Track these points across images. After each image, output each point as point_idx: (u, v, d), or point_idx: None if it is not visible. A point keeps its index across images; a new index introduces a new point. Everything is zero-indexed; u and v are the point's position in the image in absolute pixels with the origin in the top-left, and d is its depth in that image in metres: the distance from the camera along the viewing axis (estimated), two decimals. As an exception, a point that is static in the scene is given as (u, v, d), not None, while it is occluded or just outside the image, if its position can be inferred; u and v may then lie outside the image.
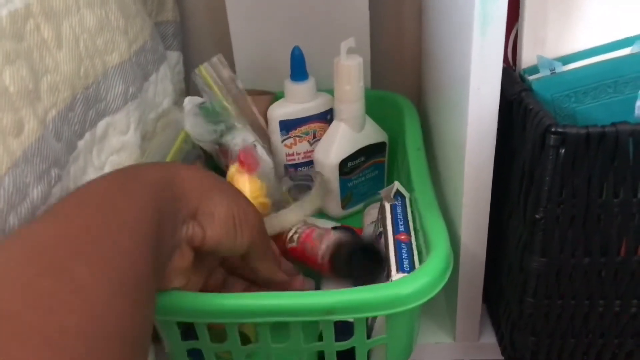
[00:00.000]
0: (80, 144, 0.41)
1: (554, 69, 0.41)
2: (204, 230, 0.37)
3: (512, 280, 0.42)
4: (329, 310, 0.37)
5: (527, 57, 0.42)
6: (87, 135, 0.43)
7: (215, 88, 0.59)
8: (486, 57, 0.37)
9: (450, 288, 0.48)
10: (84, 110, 0.42)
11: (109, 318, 0.26)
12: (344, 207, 0.63)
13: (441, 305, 0.53)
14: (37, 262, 0.26)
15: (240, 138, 0.56)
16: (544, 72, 0.41)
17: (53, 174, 0.36)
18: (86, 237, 0.28)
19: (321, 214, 0.64)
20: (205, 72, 0.59)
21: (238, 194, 0.40)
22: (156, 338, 0.45)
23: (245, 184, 0.50)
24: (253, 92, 0.62)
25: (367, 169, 0.63)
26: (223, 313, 0.37)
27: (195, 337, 0.40)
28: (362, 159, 0.61)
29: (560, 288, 0.39)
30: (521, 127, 0.38)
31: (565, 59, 0.41)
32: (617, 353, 0.42)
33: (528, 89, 0.39)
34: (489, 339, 0.49)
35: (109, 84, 0.45)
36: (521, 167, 0.38)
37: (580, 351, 0.42)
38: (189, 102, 0.58)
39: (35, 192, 0.34)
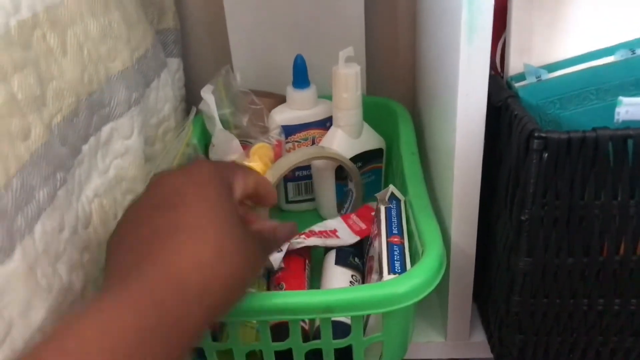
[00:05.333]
0: (85, 148, 0.43)
1: (540, 77, 0.42)
2: None
3: (500, 279, 0.43)
4: (327, 308, 0.38)
5: (514, 65, 0.44)
6: (92, 140, 0.44)
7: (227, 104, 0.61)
8: (473, 65, 0.39)
9: (442, 288, 0.49)
10: (89, 116, 0.44)
11: None
12: (339, 210, 0.65)
13: (433, 304, 0.54)
14: None
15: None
16: (530, 80, 0.43)
17: (58, 177, 0.38)
18: None
19: (319, 217, 0.65)
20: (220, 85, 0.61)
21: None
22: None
23: (270, 153, 0.60)
24: (259, 94, 0.64)
25: (364, 175, 0.64)
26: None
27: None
28: (359, 164, 0.63)
29: (545, 287, 0.40)
30: (507, 132, 0.40)
31: (551, 67, 0.43)
32: (600, 350, 0.43)
33: (514, 95, 0.41)
34: (479, 337, 0.50)
35: (112, 90, 0.47)
36: (507, 171, 0.40)
37: (566, 348, 0.43)
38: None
39: (42, 194, 0.36)
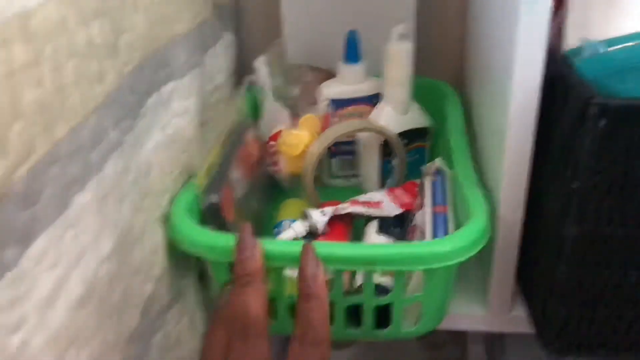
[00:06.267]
0: (149, 102, 0.45)
1: (598, 50, 0.42)
2: None
3: (548, 249, 0.43)
4: (371, 260, 0.39)
5: (571, 40, 0.44)
6: (155, 96, 0.46)
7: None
8: (532, 34, 0.39)
9: (485, 260, 0.50)
10: (153, 72, 0.46)
11: None
12: (382, 187, 0.65)
13: (474, 277, 0.54)
14: None
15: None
16: (587, 54, 0.43)
17: (127, 123, 0.40)
18: None
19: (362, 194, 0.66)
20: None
21: None
22: (201, 277, 0.49)
23: (318, 124, 0.62)
24: (310, 69, 0.65)
25: (408, 153, 0.65)
26: (270, 256, 0.40)
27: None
28: (405, 142, 0.64)
29: (594, 257, 0.41)
30: (562, 102, 0.40)
31: (609, 42, 0.43)
32: (646, 326, 0.43)
33: (571, 66, 0.41)
34: (520, 312, 0.51)
35: (175, 51, 0.49)
36: (561, 139, 0.40)
37: (611, 322, 0.43)
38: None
39: (113, 135, 0.38)
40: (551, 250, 0.43)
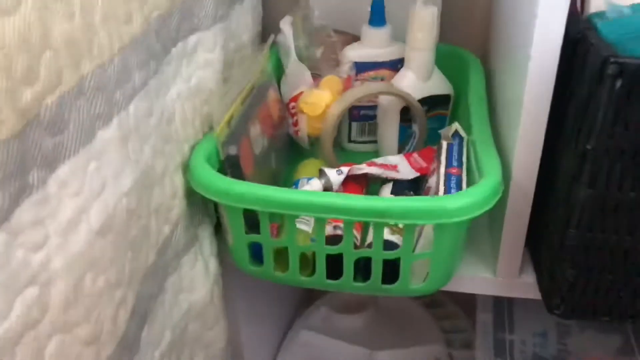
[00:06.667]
0: (174, 51, 0.46)
1: (622, 14, 0.42)
2: None
3: (557, 212, 0.44)
4: (383, 213, 0.40)
5: (596, 4, 0.44)
6: (180, 45, 0.47)
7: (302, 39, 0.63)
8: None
9: (496, 225, 0.50)
10: (179, 21, 0.47)
11: None
12: (400, 152, 0.66)
13: (484, 241, 0.55)
14: None
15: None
16: (611, 16, 0.42)
17: (152, 66, 0.41)
18: None
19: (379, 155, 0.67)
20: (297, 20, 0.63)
21: None
22: (217, 228, 0.50)
23: (339, 86, 0.62)
24: (338, 32, 0.66)
25: (428, 120, 0.65)
26: (284, 205, 0.41)
27: (258, 231, 0.45)
28: (425, 108, 0.64)
29: (603, 221, 0.41)
30: (582, 63, 0.40)
31: (635, 7, 0.43)
32: (653, 293, 0.43)
33: (592, 28, 0.41)
34: (529, 279, 0.51)
35: (202, 2, 0.50)
36: (578, 100, 0.40)
37: (617, 288, 0.43)
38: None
39: (137, 77, 0.39)
40: (561, 214, 0.43)
